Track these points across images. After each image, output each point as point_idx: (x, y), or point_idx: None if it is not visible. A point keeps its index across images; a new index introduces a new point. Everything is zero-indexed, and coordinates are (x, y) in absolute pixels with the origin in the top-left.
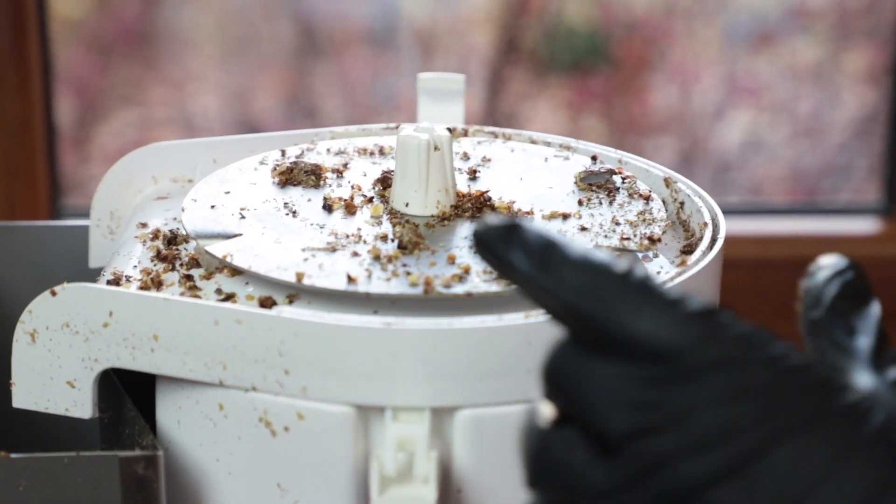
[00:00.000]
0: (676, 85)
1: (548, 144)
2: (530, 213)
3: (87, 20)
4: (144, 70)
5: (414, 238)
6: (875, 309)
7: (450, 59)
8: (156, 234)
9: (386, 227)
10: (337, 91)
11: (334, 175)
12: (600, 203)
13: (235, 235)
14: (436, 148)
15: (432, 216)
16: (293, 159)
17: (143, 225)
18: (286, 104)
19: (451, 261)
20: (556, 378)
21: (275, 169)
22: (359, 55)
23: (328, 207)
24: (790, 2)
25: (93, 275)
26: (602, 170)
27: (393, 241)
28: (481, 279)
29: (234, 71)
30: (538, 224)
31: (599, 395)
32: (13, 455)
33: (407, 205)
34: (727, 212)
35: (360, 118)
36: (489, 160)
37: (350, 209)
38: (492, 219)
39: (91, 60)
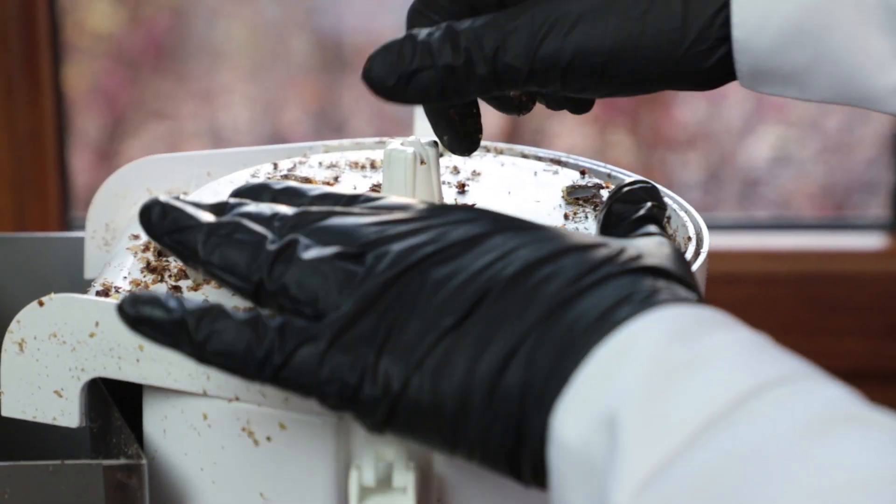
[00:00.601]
0: (704, 100)
1: (539, 159)
2: None
3: (117, 34)
4: (174, 84)
5: None
6: (645, 205)
7: None
8: (147, 246)
9: None
10: (365, 105)
11: None
12: (586, 217)
13: None
14: (422, 162)
15: None
16: (284, 172)
17: (136, 237)
18: (314, 117)
19: None
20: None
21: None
22: None
23: None
24: None
25: (87, 285)
26: (589, 184)
27: None
28: None
29: (263, 84)
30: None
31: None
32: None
33: None
34: (733, 227)
35: (387, 132)
36: (479, 174)
37: None
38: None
39: (120, 74)
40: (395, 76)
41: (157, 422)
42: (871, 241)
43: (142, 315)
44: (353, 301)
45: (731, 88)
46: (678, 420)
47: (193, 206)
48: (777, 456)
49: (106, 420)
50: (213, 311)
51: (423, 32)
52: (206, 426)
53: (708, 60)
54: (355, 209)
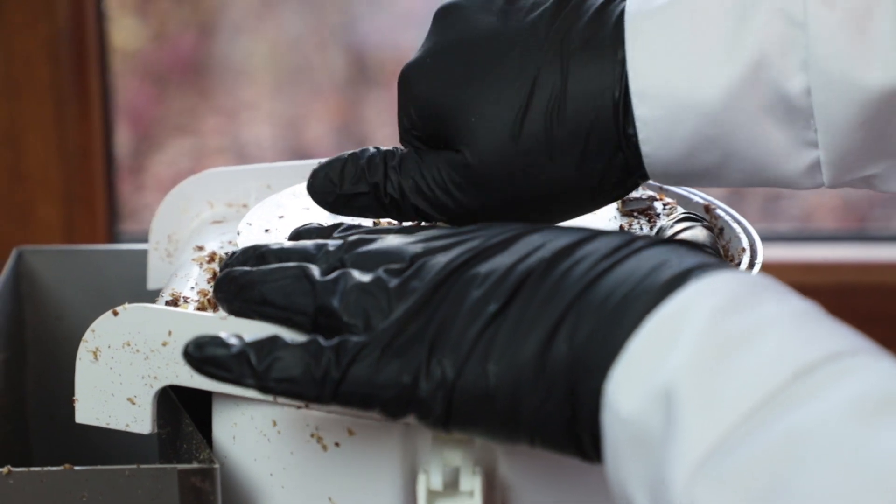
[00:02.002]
0: None
1: None
2: None
3: (142, 51)
4: (198, 100)
5: None
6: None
7: None
8: (212, 257)
9: None
10: (388, 119)
11: None
12: (641, 229)
13: None
14: None
15: None
16: None
17: (200, 248)
18: (338, 132)
19: None
20: None
21: None
22: None
23: None
24: None
25: (150, 296)
26: (643, 196)
27: None
28: None
29: (287, 100)
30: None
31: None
32: (76, 468)
33: None
34: (770, 238)
35: None
36: None
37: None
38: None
39: (146, 91)
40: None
41: (227, 428)
42: None
43: (206, 356)
44: (403, 307)
45: None
46: (734, 397)
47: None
48: (831, 437)
49: (175, 426)
50: (271, 341)
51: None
52: (275, 432)
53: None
54: (399, 235)
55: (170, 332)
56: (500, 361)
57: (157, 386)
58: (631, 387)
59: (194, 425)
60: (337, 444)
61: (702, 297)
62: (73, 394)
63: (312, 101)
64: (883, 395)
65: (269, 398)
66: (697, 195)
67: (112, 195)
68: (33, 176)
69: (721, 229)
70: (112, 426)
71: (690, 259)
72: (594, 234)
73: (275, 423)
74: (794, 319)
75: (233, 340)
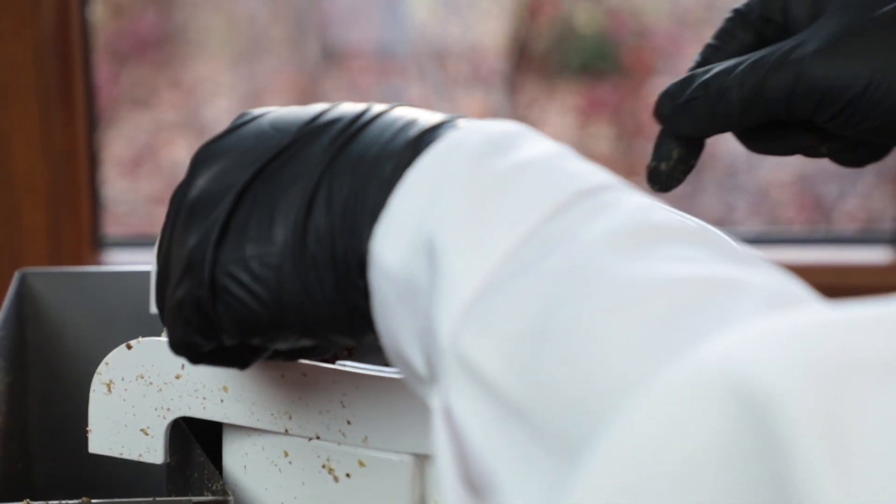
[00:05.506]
0: None
1: None
2: None
3: (102, 29)
4: (156, 73)
5: None
6: None
7: (461, 65)
8: None
9: None
10: (347, 96)
11: None
12: None
13: None
14: None
15: None
16: None
17: None
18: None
19: None
20: None
21: None
22: (369, 62)
23: None
24: None
25: (153, 319)
26: None
27: None
28: None
29: (245, 75)
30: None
31: None
32: (94, 501)
33: None
34: (742, 240)
35: None
36: None
37: None
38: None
39: (105, 68)
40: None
41: (238, 458)
42: (877, 256)
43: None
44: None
45: None
46: (493, 240)
47: None
48: (589, 273)
49: (184, 455)
50: None
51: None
52: (286, 463)
53: None
54: None
55: (183, 366)
56: (256, 243)
57: (171, 417)
58: (395, 240)
59: (206, 455)
60: (348, 475)
61: (458, 145)
62: (74, 414)
63: (271, 75)
64: (632, 228)
65: (281, 430)
66: (689, 219)
67: (97, 199)
68: (19, 180)
69: None
70: (125, 456)
71: (438, 115)
72: (335, 105)
73: (286, 454)
74: (547, 161)
75: None
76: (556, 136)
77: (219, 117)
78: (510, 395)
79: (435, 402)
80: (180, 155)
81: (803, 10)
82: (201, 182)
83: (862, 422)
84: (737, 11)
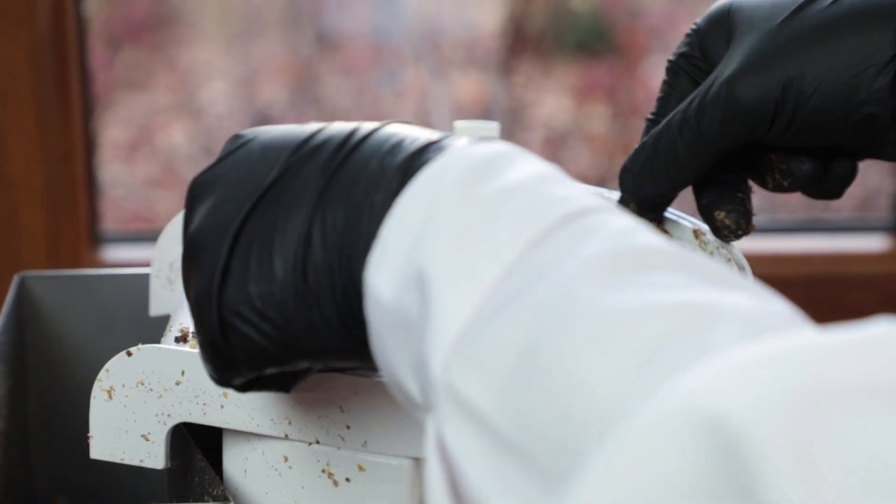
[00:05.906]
0: None
1: None
2: None
3: (97, 15)
4: (151, 56)
5: None
6: None
7: (456, 48)
8: None
9: None
10: (342, 79)
11: None
12: None
13: None
14: None
15: None
16: None
17: None
18: (292, 90)
19: None
20: None
21: None
22: (364, 45)
23: None
24: None
25: (152, 322)
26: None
27: None
28: None
29: (240, 58)
30: None
31: None
32: None
33: None
34: None
35: (367, 105)
36: None
37: None
38: None
39: (100, 54)
40: None
41: (238, 463)
42: (874, 244)
43: None
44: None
45: None
46: (479, 272)
47: None
48: (572, 305)
49: (185, 460)
50: None
51: None
52: (286, 467)
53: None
54: None
55: (183, 372)
56: (259, 282)
57: (171, 423)
58: (387, 273)
59: (206, 460)
60: (347, 480)
61: (445, 171)
62: (75, 417)
63: (268, 59)
64: (614, 254)
65: (281, 434)
66: (687, 220)
67: (95, 198)
68: (17, 181)
69: (710, 254)
70: (126, 462)
71: (426, 134)
72: (324, 126)
73: (286, 459)
74: (532, 186)
75: None
76: (553, 117)
77: (215, 100)
78: (501, 430)
79: (429, 430)
80: (177, 138)
81: (719, 43)
82: (198, 218)
83: (834, 450)
84: (670, 62)
